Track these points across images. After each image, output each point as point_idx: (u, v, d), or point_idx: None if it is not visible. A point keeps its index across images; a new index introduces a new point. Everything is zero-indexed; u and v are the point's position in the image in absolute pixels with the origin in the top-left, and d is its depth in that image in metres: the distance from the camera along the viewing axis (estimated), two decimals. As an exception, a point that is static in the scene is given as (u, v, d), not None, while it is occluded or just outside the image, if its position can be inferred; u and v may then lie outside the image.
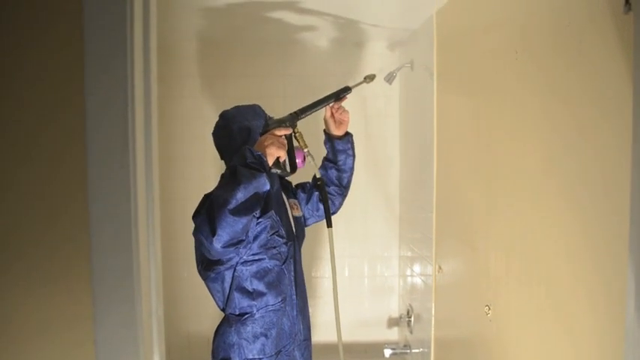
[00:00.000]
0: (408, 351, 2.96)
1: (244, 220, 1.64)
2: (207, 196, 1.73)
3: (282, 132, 1.81)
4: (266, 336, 1.90)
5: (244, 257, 1.87)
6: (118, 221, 0.86)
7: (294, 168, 1.88)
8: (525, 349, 1.55)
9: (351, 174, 2.30)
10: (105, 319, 0.88)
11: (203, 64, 3.26)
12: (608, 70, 1.15)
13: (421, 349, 2.76)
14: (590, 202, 1.22)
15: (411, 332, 3.00)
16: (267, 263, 1.90)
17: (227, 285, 1.91)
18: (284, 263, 1.95)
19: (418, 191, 2.86)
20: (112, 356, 0.88)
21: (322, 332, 3.28)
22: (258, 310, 1.90)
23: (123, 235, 0.86)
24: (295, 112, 1.92)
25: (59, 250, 0.92)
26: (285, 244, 1.95)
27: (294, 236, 2.05)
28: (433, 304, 2.52)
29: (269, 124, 1.86)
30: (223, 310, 1.95)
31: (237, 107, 2.07)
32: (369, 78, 2.09)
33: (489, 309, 1.79)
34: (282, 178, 2.10)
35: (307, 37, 3.23)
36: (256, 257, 1.88)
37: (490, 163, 1.81)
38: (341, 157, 2.22)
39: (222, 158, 2.08)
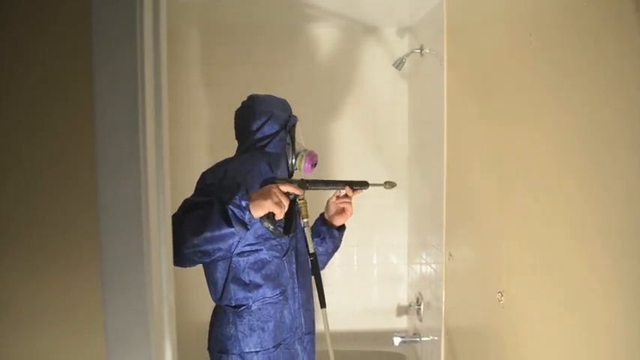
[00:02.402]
0: (418, 339, 2.95)
1: (199, 261, 1.65)
2: (183, 204, 1.73)
3: (289, 189, 1.73)
4: (263, 329, 1.86)
5: (239, 248, 1.83)
6: (128, 204, 0.84)
7: (287, 231, 1.80)
8: (538, 336, 1.53)
9: (329, 259, 2.21)
10: (115, 304, 0.86)
11: (208, 51, 3.23)
12: (623, 57, 1.12)
13: (431, 337, 2.75)
14: (604, 190, 1.19)
15: (421, 320, 2.99)
16: (265, 255, 1.86)
17: (219, 276, 1.87)
18: (284, 255, 1.91)
19: (428, 179, 2.83)
20: (123, 343, 0.86)
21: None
22: (254, 302, 1.86)
23: (133, 219, 0.84)
24: (306, 181, 1.84)
25: (67, 234, 0.90)
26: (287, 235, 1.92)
27: (296, 228, 2.04)
28: (443, 292, 2.50)
29: (278, 178, 1.78)
30: (217, 300, 1.92)
31: (267, 95, 2.07)
32: (389, 184, 1.99)
33: (502, 296, 1.77)
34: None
35: (315, 24, 3.20)
36: (253, 248, 1.84)
37: (502, 150, 1.78)
38: (327, 244, 2.12)
39: (236, 137, 2.07)
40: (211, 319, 1.97)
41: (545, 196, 1.48)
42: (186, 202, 1.76)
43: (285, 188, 1.71)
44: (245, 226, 1.64)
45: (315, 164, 2.10)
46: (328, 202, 2.06)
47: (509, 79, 1.73)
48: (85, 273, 0.88)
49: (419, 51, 2.83)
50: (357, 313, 3.43)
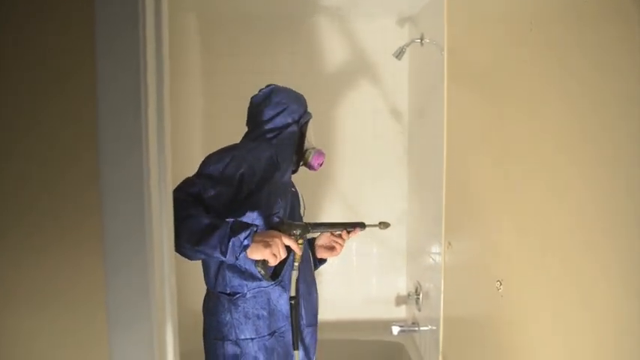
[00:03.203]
0: (417, 328, 2.96)
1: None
2: (184, 184, 1.75)
3: (290, 243, 1.75)
4: (258, 316, 1.87)
5: None
6: (130, 183, 0.84)
7: (275, 277, 1.84)
8: (538, 324, 1.53)
9: None
10: (116, 283, 0.87)
11: (205, 40, 3.22)
12: (624, 46, 1.12)
13: (430, 327, 2.76)
14: (604, 177, 1.19)
15: (420, 310, 3.00)
16: None
17: (213, 263, 1.88)
18: None
19: (427, 168, 2.84)
20: (125, 323, 0.87)
21: (324, 311, 3.28)
22: (249, 290, 1.86)
23: (135, 198, 0.84)
24: (308, 225, 1.87)
25: (69, 212, 0.91)
26: None
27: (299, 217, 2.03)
28: (442, 281, 2.51)
29: (284, 223, 1.82)
30: (212, 287, 1.92)
31: (287, 87, 2.09)
32: (384, 225, 2.03)
33: (501, 284, 1.77)
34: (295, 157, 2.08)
35: (314, 13, 3.19)
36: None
37: (502, 140, 1.78)
38: None
39: (247, 123, 2.08)
40: (206, 306, 1.97)
41: (544, 185, 1.48)
42: (187, 183, 1.76)
43: (287, 241, 1.74)
44: (236, 259, 1.68)
45: (322, 164, 2.12)
46: (321, 238, 2.10)
47: (509, 68, 1.73)
48: (87, 252, 0.88)
49: (419, 40, 2.82)
50: (356, 302, 3.44)
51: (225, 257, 1.64)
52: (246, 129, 2.09)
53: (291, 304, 1.86)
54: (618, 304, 1.16)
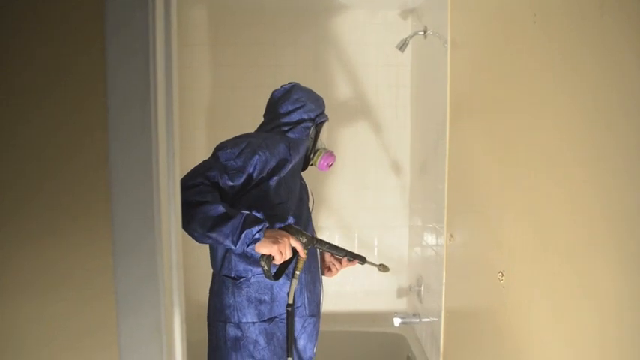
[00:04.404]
0: (418, 320, 2.97)
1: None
2: (203, 167, 1.79)
3: (296, 245, 1.81)
4: (260, 301, 1.91)
5: None
6: (139, 168, 0.85)
7: (277, 277, 1.87)
8: (539, 315, 1.54)
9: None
10: (125, 270, 0.87)
11: (212, 31, 3.22)
12: (627, 39, 1.12)
13: (431, 318, 2.77)
14: (606, 169, 1.20)
15: (421, 301, 3.01)
16: None
17: (221, 247, 1.92)
18: None
19: (430, 161, 2.84)
20: (133, 307, 0.88)
21: (326, 302, 3.28)
22: (253, 275, 1.90)
23: (144, 183, 0.85)
24: (315, 239, 1.92)
25: (77, 196, 0.91)
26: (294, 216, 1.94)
27: (309, 215, 2.06)
28: (444, 273, 2.52)
29: (294, 228, 1.87)
30: (218, 270, 1.96)
31: (309, 88, 2.16)
32: (383, 267, 2.17)
33: (502, 275, 1.78)
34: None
35: (318, 6, 3.19)
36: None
37: (505, 132, 1.79)
38: None
39: (264, 115, 2.15)
40: (212, 288, 2.01)
41: (546, 177, 1.48)
42: (204, 166, 1.82)
43: (295, 243, 1.80)
44: (244, 249, 1.78)
45: (331, 165, 2.20)
46: (324, 253, 2.16)
47: (513, 60, 1.73)
48: (96, 236, 0.89)
49: (422, 33, 2.82)
50: (357, 293, 3.45)
51: (235, 247, 1.70)
52: (256, 119, 2.16)
53: (287, 311, 1.90)
54: (619, 294, 1.16)
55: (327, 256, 2.15)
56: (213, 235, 1.68)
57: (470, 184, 2.20)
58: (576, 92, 1.32)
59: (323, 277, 2.17)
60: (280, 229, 1.84)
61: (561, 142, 1.40)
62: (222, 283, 1.94)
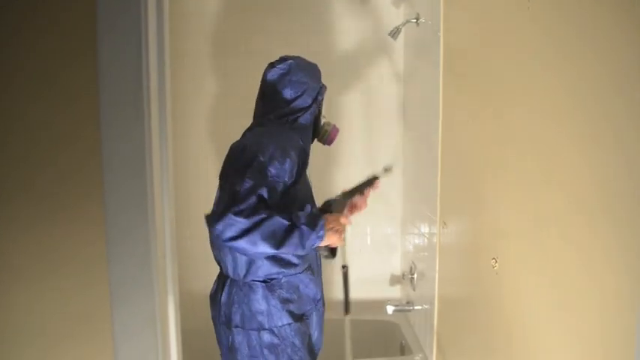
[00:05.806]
0: (411, 308, 2.98)
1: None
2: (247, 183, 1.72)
3: (345, 221, 1.85)
4: (290, 300, 1.92)
5: None
6: (132, 156, 0.84)
7: (334, 254, 1.94)
8: (533, 301, 1.55)
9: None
10: (119, 259, 0.87)
11: (219, 19, 3.18)
12: (622, 27, 1.12)
13: (424, 306, 2.78)
14: (602, 153, 1.20)
15: (414, 289, 3.02)
16: None
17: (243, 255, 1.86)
18: None
19: (422, 149, 2.84)
20: (127, 296, 0.87)
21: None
22: (285, 276, 1.91)
23: (137, 171, 0.84)
24: (345, 196, 2.01)
25: (71, 184, 0.91)
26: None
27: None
28: (437, 261, 2.53)
29: (333, 204, 1.92)
30: (243, 277, 1.89)
31: (301, 59, 2.05)
32: (388, 170, 2.21)
33: (496, 262, 1.79)
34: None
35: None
36: None
37: (497, 117, 1.79)
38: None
39: (261, 99, 2.04)
40: (231, 297, 1.93)
41: (540, 163, 1.49)
42: (247, 181, 1.73)
43: (344, 222, 1.85)
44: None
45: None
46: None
47: (506, 47, 1.73)
48: (89, 223, 0.89)
49: (415, 20, 2.81)
50: (350, 282, 3.45)
51: (303, 251, 1.75)
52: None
53: (344, 272, 2.03)
54: (616, 279, 1.16)
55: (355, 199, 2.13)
56: (284, 249, 1.70)
57: (463, 171, 2.20)
58: (571, 77, 1.32)
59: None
60: (320, 210, 1.89)
61: (558, 127, 1.40)
62: (250, 289, 1.90)
